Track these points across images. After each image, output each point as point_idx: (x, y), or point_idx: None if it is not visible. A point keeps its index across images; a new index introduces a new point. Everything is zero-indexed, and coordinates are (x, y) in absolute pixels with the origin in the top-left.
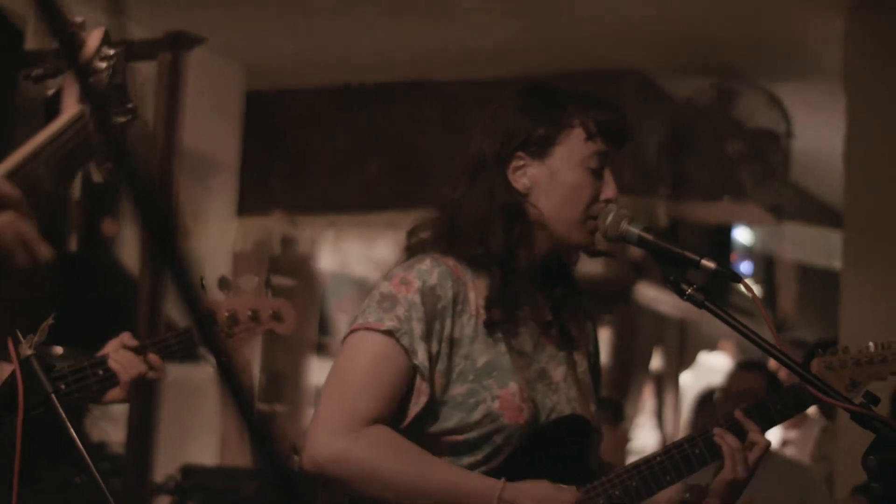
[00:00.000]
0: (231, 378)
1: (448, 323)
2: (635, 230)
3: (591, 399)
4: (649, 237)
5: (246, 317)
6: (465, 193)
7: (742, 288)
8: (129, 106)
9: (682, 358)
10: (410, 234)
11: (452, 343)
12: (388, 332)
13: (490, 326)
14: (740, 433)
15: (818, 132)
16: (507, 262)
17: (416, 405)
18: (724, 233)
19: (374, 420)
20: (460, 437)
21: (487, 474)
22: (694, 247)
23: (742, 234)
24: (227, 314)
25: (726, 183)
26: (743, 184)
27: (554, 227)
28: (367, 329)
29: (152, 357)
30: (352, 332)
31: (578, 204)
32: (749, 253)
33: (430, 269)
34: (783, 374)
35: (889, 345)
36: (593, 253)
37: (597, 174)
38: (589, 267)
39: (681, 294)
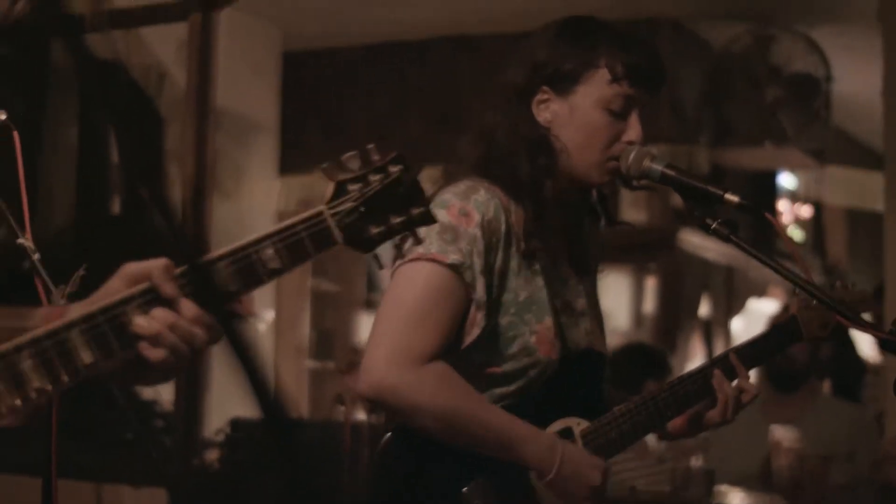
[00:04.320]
0: (236, 338)
1: (500, 256)
2: (658, 167)
3: (603, 328)
4: (672, 173)
5: None
6: (496, 122)
7: (777, 226)
8: None
9: (731, 305)
10: (452, 157)
11: (502, 276)
12: (453, 266)
13: (528, 257)
14: (732, 376)
15: (858, 75)
16: (536, 192)
17: (469, 336)
18: (769, 179)
19: (434, 354)
20: (498, 369)
21: (515, 406)
22: (739, 193)
23: (786, 180)
24: None
25: (767, 129)
26: (784, 129)
27: (573, 164)
28: (432, 260)
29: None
30: (413, 260)
31: (595, 145)
32: (794, 198)
33: (486, 202)
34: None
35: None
36: (632, 187)
37: (619, 116)
38: (632, 215)
39: (706, 229)
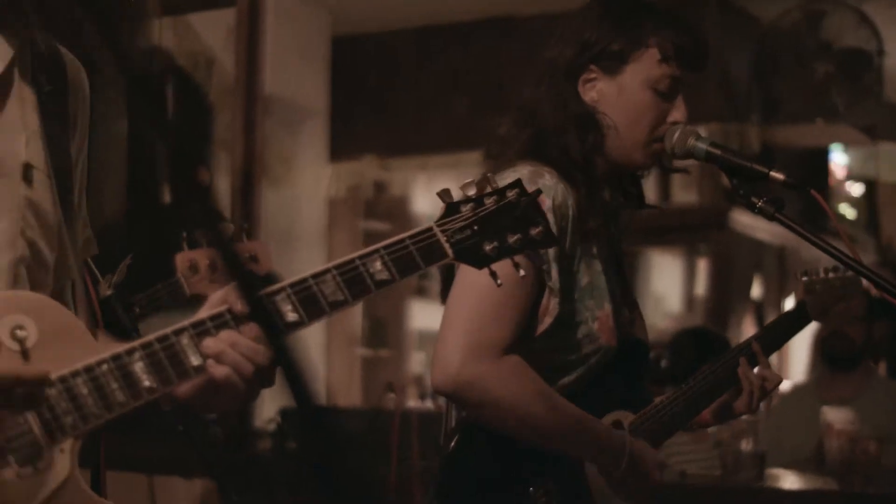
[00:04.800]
0: (268, 321)
1: (567, 241)
2: (703, 145)
3: (641, 314)
4: (717, 151)
5: (205, 265)
6: (541, 101)
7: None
8: None
9: (783, 286)
10: (492, 135)
11: (570, 261)
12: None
13: (586, 240)
14: (755, 364)
15: None
16: (587, 170)
17: (542, 325)
18: (821, 156)
19: (509, 346)
20: (562, 358)
21: (572, 397)
22: (789, 171)
23: (838, 157)
24: (188, 264)
25: (818, 105)
26: (835, 105)
27: (618, 144)
28: None
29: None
30: None
31: (642, 125)
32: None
33: (554, 186)
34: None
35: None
36: (667, 169)
37: (666, 97)
38: (683, 196)
39: (751, 207)
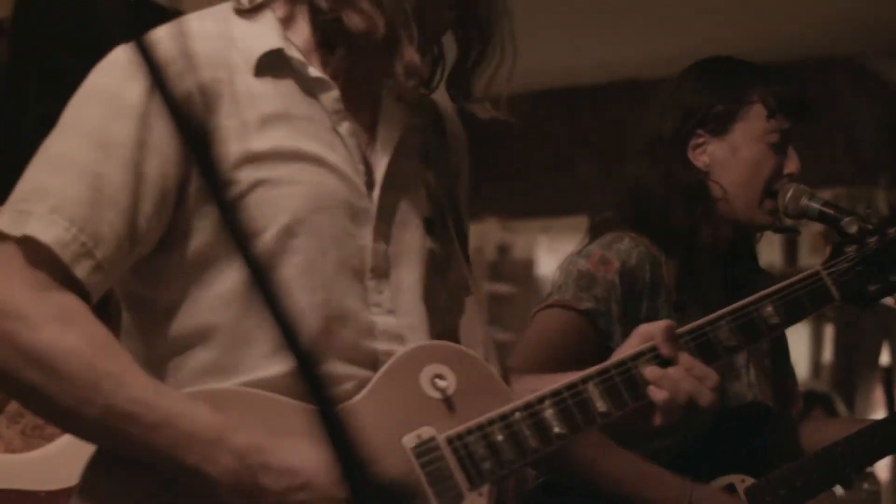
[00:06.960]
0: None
1: (644, 305)
2: (816, 205)
3: (769, 381)
4: (831, 211)
5: None
6: (646, 172)
7: None
8: None
9: None
10: (595, 214)
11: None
12: (586, 313)
13: (679, 309)
14: None
15: None
16: (691, 241)
17: None
18: None
19: None
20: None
21: (672, 461)
22: None
23: None
24: None
25: None
26: None
27: (736, 206)
28: (564, 307)
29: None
30: (549, 306)
31: (759, 180)
32: None
33: (629, 250)
34: None
35: None
36: (778, 229)
37: (778, 149)
38: (809, 260)
39: None
